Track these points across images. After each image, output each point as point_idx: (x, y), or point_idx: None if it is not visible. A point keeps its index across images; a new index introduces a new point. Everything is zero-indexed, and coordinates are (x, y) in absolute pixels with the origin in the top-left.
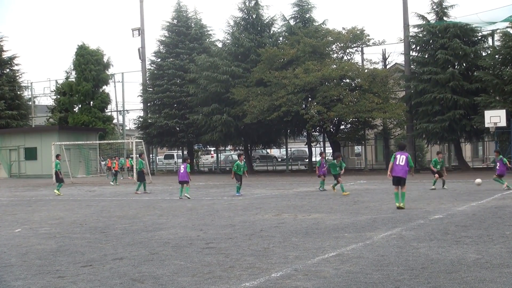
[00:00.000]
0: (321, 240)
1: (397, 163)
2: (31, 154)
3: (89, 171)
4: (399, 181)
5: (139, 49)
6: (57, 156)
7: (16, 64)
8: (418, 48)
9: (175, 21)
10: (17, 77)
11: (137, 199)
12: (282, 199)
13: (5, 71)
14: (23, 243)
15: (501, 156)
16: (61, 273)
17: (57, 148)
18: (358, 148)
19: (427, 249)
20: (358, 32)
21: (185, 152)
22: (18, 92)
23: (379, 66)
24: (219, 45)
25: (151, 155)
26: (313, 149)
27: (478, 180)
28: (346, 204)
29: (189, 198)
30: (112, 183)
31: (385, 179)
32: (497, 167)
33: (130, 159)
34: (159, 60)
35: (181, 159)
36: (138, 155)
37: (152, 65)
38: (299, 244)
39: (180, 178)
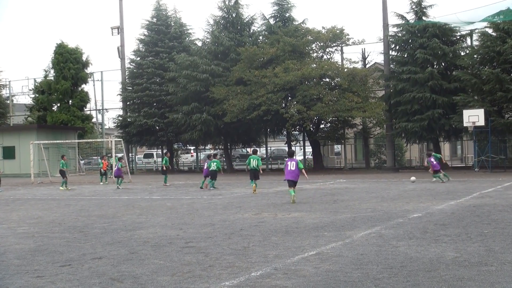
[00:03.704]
0: (301, 239)
1: (289, 169)
2: (9, 153)
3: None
4: (294, 183)
5: (118, 48)
6: (62, 157)
7: None
8: (397, 47)
9: (154, 20)
10: None
11: (116, 198)
12: (262, 198)
13: None
14: (0, 242)
15: (433, 153)
16: (40, 273)
17: (35, 147)
18: (337, 147)
19: (406, 248)
20: (337, 31)
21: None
22: None
23: (359, 65)
24: (199, 44)
25: (130, 154)
26: (293, 148)
27: (413, 178)
28: (325, 203)
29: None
30: (101, 183)
31: (365, 178)
32: (432, 164)
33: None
34: (138, 58)
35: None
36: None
37: (131, 63)
38: (279, 243)
39: (204, 173)
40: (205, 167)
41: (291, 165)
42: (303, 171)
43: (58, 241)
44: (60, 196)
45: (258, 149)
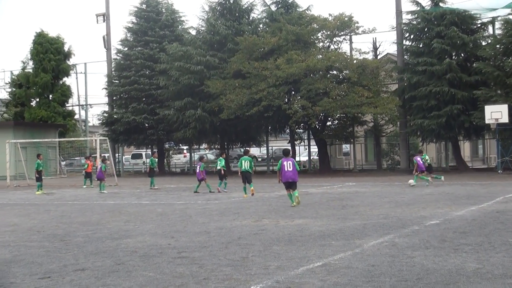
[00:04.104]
0: (306, 249)
1: (286, 169)
2: None
3: (47, 172)
4: (291, 185)
5: (104, 37)
6: (38, 156)
7: None
8: (412, 36)
9: (144, 6)
10: None
11: (101, 203)
12: (263, 203)
13: None
14: None
15: (425, 154)
16: (16, 286)
17: (12, 146)
18: (346, 147)
19: (423, 258)
20: (346, 19)
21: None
22: None
23: (370, 56)
24: (193, 32)
25: (117, 155)
26: (297, 147)
27: (411, 181)
28: (333, 209)
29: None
30: (85, 186)
31: (377, 180)
32: (418, 164)
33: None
34: (126, 49)
35: (149, 159)
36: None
37: (118, 54)
38: (281, 253)
39: (198, 177)
40: (197, 170)
41: (287, 166)
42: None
43: (37, 251)
44: (38, 201)
45: (249, 149)
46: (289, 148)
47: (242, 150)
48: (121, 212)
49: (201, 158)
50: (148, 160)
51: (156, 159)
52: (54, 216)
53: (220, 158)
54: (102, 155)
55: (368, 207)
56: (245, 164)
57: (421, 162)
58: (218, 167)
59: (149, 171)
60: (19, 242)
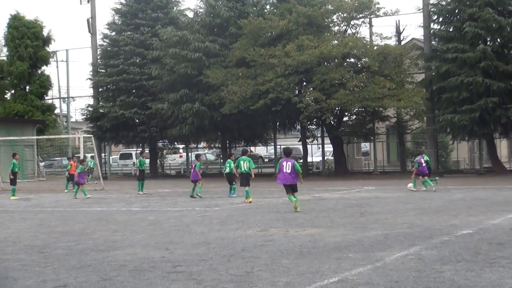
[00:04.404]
0: (319, 262)
1: (284, 170)
2: None
3: (24, 174)
4: (291, 188)
5: (88, 20)
6: (14, 155)
7: None
8: (440, 19)
9: None
10: None
11: (85, 210)
12: (270, 210)
13: None
14: None
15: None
16: None
17: None
18: (365, 146)
19: (453, 273)
20: None
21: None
22: None
23: (392, 42)
24: (190, 15)
25: (103, 155)
26: (309, 146)
27: (410, 185)
28: (350, 216)
29: (201, 197)
30: (66, 191)
31: (400, 184)
32: (420, 167)
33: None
34: (113, 33)
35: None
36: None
37: (104, 40)
38: (291, 267)
39: (192, 177)
40: (192, 170)
41: (286, 167)
42: (300, 175)
43: (12, 264)
44: (13, 207)
45: (248, 148)
46: (290, 147)
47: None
48: (108, 220)
49: (197, 156)
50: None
51: (146, 160)
52: (31, 225)
53: (229, 160)
54: (79, 155)
55: (390, 214)
56: (244, 165)
57: (424, 164)
58: (227, 171)
59: (138, 173)
60: None
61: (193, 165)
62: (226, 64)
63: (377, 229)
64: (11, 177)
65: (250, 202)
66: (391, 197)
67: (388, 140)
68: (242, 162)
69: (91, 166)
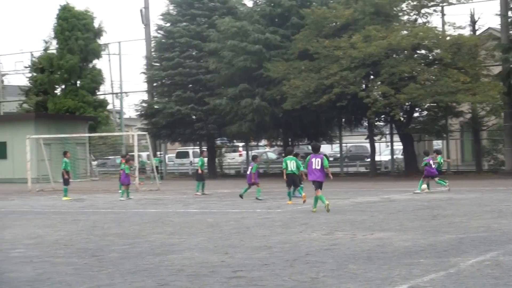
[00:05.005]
0: (388, 268)
1: (313, 167)
2: None
3: (76, 174)
4: (320, 185)
5: (141, 10)
6: (65, 154)
7: None
8: None
9: None
10: None
11: (140, 211)
12: (336, 212)
13: None
14: None
15: (437, 156)
16: None
17: (33, 143)
18: (437, 144)
19: None
20: None
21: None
22: None
23: (466, 32)
24: (249, 4)
25: (158, 153)
26: (376, 144)
27: (424, 186)
28: (421, 219)
29: (261, 200)
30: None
31: (476, 185)
32: (430, 169)
33: (157, 158)
34: (168, 25)
35: (198, 158)
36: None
37: (159, 31)
38: (358, 273)
39: (248, 181)
40: (248, 172)
41: (315, 163)
42: (328, 170)
43: (64, 268)
44: (66, 208)
45: (293, 147)
46: (319, 143)
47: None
48: (165, 222)
49: (254, 158)
50: (196, 160)
51: (205, 159)
52: (84, 227)
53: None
54: (132, 153)
55: (465, 217)
56: (291, 165)
57: (434, 165)
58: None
59: (198, 173)
60: (43, 257)
61: (250, 167)
62: (287, 56)
63: (451, 233)
64: (65, 176)
65: (304, 200)
66: (465, 198)
67: (462, 138)
68: (288, 162)
69: (157, 164)
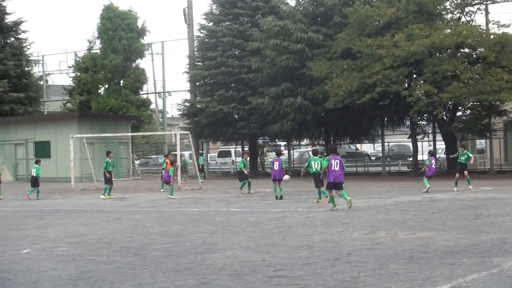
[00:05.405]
0: (430, 268)
1: (333, 168)
2: (43, 150)
3: (119, 173)
4: (336, 186)
5: (184, 10)
6: (108, 154)
7: (23, 31)
8: None
9: None
10: (25, 49)
11: (183, 210)
12: (377, 212)
13: (8, 41)
14: (33, 267)
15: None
16: None
17: (76, 141)
18: (481, 143)
19: None
20: None
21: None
22: (26, 68)
23: (511, 30)
24: (292, 3)
25: (201, 152)
26: (419, 144)
27: (286, 177)
28: (464, 219)
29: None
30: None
31: None
32: (430, 167)
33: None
34: (211, 24)
35: (240, 157)
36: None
37: (202, 31)
38: (400, 273)
39: (277, 176)
40: (275, 167)
41: (335, 164)
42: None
43: (107, 267)
44: (109, 207)
45: (319, 148)
46: (336, 144)
47: (353, 146)
48: (207, 221)
49: (278, 153)
50: (239, 160)
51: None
52: (127, 225)
53: (326, 158)
54: (175, 153)
55: (508, 217)
56: (316, 166)
57: (434, 165)
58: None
59: (239, 174)
60: (86, 256)
61: (277, 163)
62: (330, 55)
63: (494, 233)
64: (107, 176)
65: (318, 202)
66: (509, 198)
67: (506, 137)
68: (313, 162)
69: (202, 162)
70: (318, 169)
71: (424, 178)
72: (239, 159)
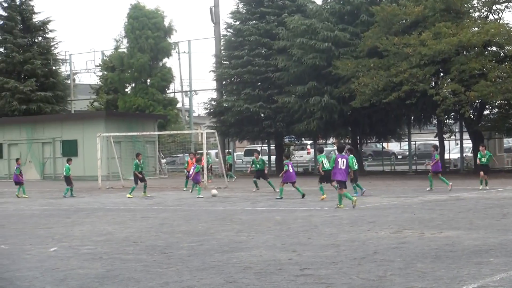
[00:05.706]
0: (457, 267)
1: (339, 167)
2: (70, 148)
3: (146, 172)
4: (344, 184)
5: (211, 9)
6: (137, 156)
7: (51, 31)
8: None
9: None
10: (52, 48)
11: (209, 209)
12: (404, 211)
13: (36, 40)
14: (60, 265)
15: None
16: None
17: (103, 140)
18: (508, 142)
19: None
20: None
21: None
22: (53, 67)
23: None
24: (319, 2)
25: (227, 151)
26: (446, 142)
27: (214, 191)
28: (491, 218)
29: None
30: (185, 189)
31: None
32: (437, 163)
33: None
34: (237, 23)
35: (266, 156)
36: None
37: (228, 30)
38: (426, 272)
39: (293, 178)
40: (290, 169)
41: (341, 163)
42: (351, 171)
43: (133, 265)
44: (135, 205)
45: (324, 146)
46: (344, 144)
47: (379, 145)
48: (233, 220)
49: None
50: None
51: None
52: (153, 224)
53: (351, 156)
54: (201, 151)
55: None
56: (326, 163)
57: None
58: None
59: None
60: (113, 254)
61: (289, 165)
62: (356, 54)
63: None
64: (139, 176)
65: (338, 207)
66: None
67: None
68: (323, 160)
69: (230, 162)
70: (328, 167)
71: (429, 174)
72: (265, 158)
